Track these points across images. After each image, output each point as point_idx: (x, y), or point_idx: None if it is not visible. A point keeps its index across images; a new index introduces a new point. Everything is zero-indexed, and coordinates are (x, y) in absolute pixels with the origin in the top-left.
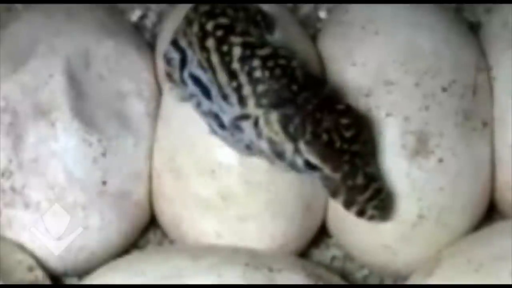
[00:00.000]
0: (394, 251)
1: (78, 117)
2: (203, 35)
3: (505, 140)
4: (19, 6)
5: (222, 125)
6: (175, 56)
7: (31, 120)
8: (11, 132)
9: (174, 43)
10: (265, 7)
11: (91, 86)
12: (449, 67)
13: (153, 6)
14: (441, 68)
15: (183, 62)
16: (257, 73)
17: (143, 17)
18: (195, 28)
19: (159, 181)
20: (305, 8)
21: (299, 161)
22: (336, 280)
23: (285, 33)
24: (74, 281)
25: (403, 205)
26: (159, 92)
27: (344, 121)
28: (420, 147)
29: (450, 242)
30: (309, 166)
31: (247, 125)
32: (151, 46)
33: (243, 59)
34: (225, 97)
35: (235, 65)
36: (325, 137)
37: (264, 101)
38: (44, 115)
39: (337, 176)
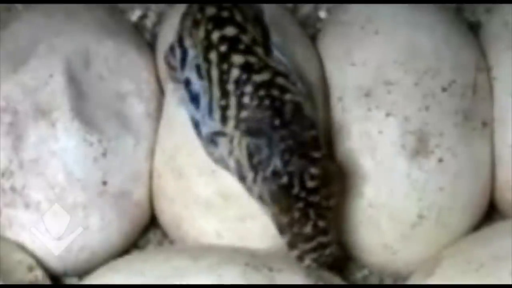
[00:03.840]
0: (394, 251)
1: (79, 117)
2: (208, 46)
3: (505, 140)
4: (19, 6)
5: (198, 134)
6: (178, 54)
7: (31, 120)
8: (11, 132)
9: (180, 41)
10: (265, 7)
11: (91, 86)
12: (449, 67)
13: (153, 6)
14: (441, 68)
15: (184, 62)
16: (246, 99)
17: (143, 17)
18: (201, 33)
19: (160, 180)
20: (305, 8)
21: (255, 192)
22: (336, 280)
23: (285, 33)
24: (74, 281)
25: (403, 205)
26: (159, 92)
27: (312, 170)
28: (420, 147)
29: (450, 242)
30: (262, 200)
31: (223, 141)
32: (151, 46)
33: (238, 82)
34: (210, 110)
35: (230, 86)
36: (285, 179)
37: (242, 126)
38: (44, 115)
39: (284, 219)
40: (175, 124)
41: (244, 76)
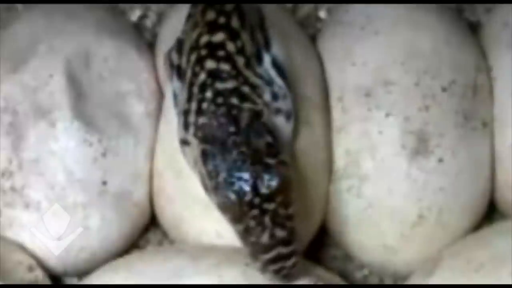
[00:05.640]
0: (394, 251)
1: (79, 117)
2: (193, 47)
3: (505, 140)
4: (19, 6)
5: None
6: (175, 58)
7: (31, 120)
8: (11, 132)
9: (179, 44)
10: (264, 8)
11: (91, 86)
12: (449, 67)
13: (153, 6)
14: (441, 68)
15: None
16: (205, 105)
17: (143, 17)
18: (194, 35)
19: (160, 180)
20: (305, 8)
21: (214, 201)
22: (336, 280)
23: (284, 33)
24: (74, 281)
25: (403, 205)
26: (159, 92)
27: (266, 176)
28: (420, 147)
29: (450, 242)
30: (220, 209)
31: (188, 151)
32: (151, 46)
33: (201, 87)
34: (179, 114)
35: (195, 89)
36: (236, 186)
37: (199, 133)
38: (44, 115)
39: (239, 228)
40: (175, 123)
41: (208, 82)
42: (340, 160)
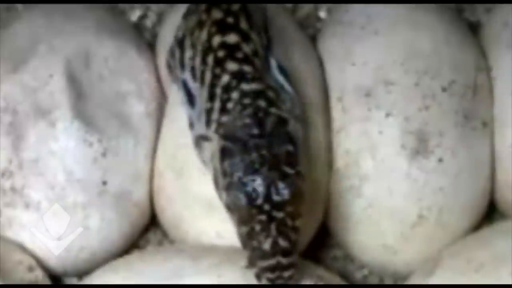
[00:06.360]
0: (394, 251)
1: (79, 117)
2: (208, 48)
3: (505, 140)
4: (19, 6)
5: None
6: (177, 54)
7: (31, 120)
8: (11, 132)
9: (179, 41)
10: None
11: (91, 86)
12: (449, 67)
13: (153, 6)
14: (441, 68)
15: (182, 62)
16: (230, 105)
17: (143, 17)
18: (204, 35)
19: (161, 180)
20: (305, 8)
21: (224, 199)
22: (336, 280)
23: (284, 33)
24: (74, 281)
25: (403, 205)
26: (160, 92)
27: (280, 184)
28: (420, 147)
29: (450, 242)
30: (228, 208)
31: (207, 146)
32: (151, 46)
33: (226, 88)
34: (200, 113)
35: (218, 90)
36: (249, 187)
37: (221, 130)
38: (44, 115)
39: (244, 229)
40: (178, 123)
41: (233, 83)
42: (340, 160)
